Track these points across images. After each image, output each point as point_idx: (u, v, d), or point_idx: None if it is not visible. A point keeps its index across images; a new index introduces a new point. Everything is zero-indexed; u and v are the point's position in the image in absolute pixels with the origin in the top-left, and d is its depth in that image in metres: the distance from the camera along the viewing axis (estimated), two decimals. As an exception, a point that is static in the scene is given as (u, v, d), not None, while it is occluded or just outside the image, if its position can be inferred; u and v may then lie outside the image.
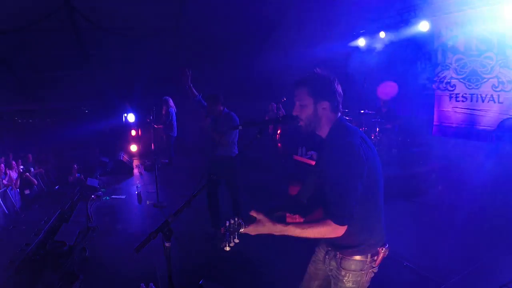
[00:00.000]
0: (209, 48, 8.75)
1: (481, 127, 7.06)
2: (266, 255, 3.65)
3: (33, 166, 8.04)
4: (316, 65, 1.67)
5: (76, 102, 11.14)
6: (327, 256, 1.73)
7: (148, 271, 3.33)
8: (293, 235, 1.49)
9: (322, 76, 1.61)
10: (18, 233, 4.84)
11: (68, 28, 6.90)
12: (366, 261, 1.61)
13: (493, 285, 2.81)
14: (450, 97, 7.90)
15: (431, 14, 7.33)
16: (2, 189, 6.12)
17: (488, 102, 7.07)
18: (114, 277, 3.35)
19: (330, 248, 1.72)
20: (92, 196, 5.79)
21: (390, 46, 8.51)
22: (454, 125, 7.73)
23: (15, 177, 6.79)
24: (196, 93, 4.20)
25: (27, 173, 7.21)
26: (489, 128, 6.82)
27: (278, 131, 8.95)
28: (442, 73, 8.05)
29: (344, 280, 1.63)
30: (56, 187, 7.88)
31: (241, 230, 1.44)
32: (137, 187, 5.79)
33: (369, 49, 8.98)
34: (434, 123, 8.17)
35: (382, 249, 1.64)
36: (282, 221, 1.54)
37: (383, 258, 1.66)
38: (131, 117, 9.31)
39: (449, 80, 7.89)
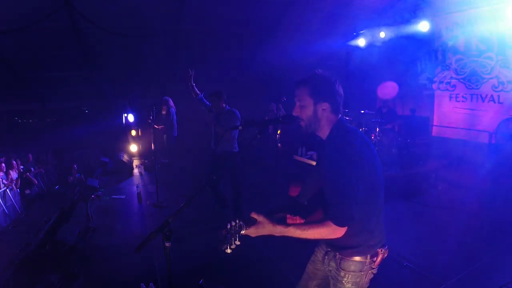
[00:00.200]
0: (209, 48, 8.74)
1: (481, 127, 7.06)
2: (266, 255, 3.65)
3: (33, 166, 8.04)
4: (316, 65, 1.67)
5: (76, 102, 11.14)
6: (326, 257, 1.73)
7: (148, 271, 3.33)
8: (294, 236, 1.49)
9: (323, 77, 1.61)
10: (18, 233, 4.85)
11: (68, 28, 6.90)
12: (366, 262, 1.61)
13: (493, 285, 2.81)
14: (450, 97, 7.91)
15: (431, 14, 7.33)
16: (2, 189, 6.12)
17: (488, 102, 7.08)
18: (114, 277, 3.35)
19: (329, 249, 1.72)
20: (92, 196, 5.78)
21: (390, 46, 8.51)
22: (454, 125, 7.73)
23: (15, 177, 6.79)
24: (198, 92, 4.42)
25: (27, 173, 7.21)
26: (489, 128, 6.82)
27: (278, 131, 8.95)
28: (442, 73, 8.06)
29: (344, 281, 1.63)
30: (56, 187, 7.88)
31: (242, 232, 1.44)
32: (137, 187, 5.78)
33: (369, 49, 8.98)
34: (434, 123, 8.18)
35: (381, 250, 1.64)
36: (283, 222, 1.54)
37: (383, 259, 1.66)
38: (131, 117, 9.31)
39: (449, 80, 7.89)
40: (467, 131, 7.39)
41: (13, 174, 6.80)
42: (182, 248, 3.64)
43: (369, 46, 8.88)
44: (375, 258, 1.63)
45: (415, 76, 8.69)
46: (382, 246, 1.66)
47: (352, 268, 1.62)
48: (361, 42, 8.96)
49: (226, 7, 7.33)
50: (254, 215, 1.49)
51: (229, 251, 1.41)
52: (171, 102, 7.92)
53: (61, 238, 3.86)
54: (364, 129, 7.30)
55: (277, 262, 3.52)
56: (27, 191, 7.03)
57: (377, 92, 8.79)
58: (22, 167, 7.46)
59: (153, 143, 6.09)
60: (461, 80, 7.61)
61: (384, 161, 5.67)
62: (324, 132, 1.65)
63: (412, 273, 3.26)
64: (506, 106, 6.68)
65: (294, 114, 1.66)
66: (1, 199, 5.85)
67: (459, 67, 7.61)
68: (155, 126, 6.46)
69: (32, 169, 7.73)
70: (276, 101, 9.41)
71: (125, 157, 8.17)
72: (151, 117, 5.79)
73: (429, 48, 8.23)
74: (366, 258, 1.61)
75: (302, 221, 1.59)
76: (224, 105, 4.36)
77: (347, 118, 7.23)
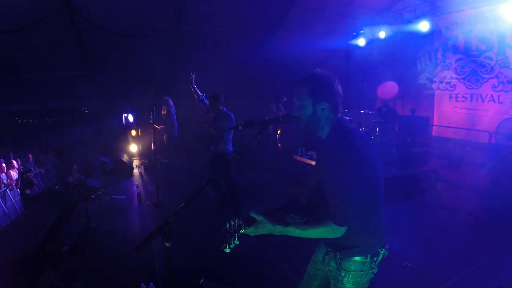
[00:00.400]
0: (209, 48, 8.74)
1: (481, 127, 7.06)
2: (266, 255, 3.65)
3: (33, 166, 8.04)
4: (316, 65, 1.67)
5: (76, 102, 11.15)
6: (326, 257, 1.73)
7: (148, 271, 3.33)
8: (293, 235, 1.49)
9: (322, 76, 1.61)
10: (18, 233, 4.85)
11: (68, 28, 6.90)
12: (366, 262, 1.61)
13: (493, 285, 2.81)
14: (450, 97, 7.91)
15: (431, 14, 7.33)
16: (2, 189, 6.12)
17: (488, 102, 7.08)
18: (114, 277, 3.35)
19: (329, 249, 1.72)
20: (92, 196, 5.78)
21: (390, 46, 8.51)
22: (454, 125, 7.73)
23: (15, 177, 6.79)
24: (200, 93, 4.64)
25: (28, 173, 7.21)
26: (489, 128, 6.82)
27: (278, 131, 8.95)
28: (442, 73, 8.06)
29: (344, 281, 1.63)
30: (56, 187, 7.88)
31: (241, 231, 1.44)
32: (137, 187, 5.78)
33: (369, 49, 8.98)
34: (434, 123, 8.18)
35: (382, 250, 1.64)
36: (282, 221, 1.54)
37: (383, 259, 1.66)
38: (131, 117, 9.30)
39: (449, 80, 7.90)
40: (467, 131, 7.39)
41: (14, 174, 6.81)
42: (182, 248, 3.64)
43: (369, 46, 8.89)
44: (376, 258, 1.63)
45: (415, 76, 8.69)
46: (383, 246, 1.66)
47: (353, 268, 1.61)
48: (361, 42, 8.97)
49: (226, 7, 7.33)
50: (253, 215, 1.49)
51: (228, 250, 1.41)
52: (171, 102, 7.91)
53: (61, 238, 3.86)
54: (364, 129, 7.29)
55: (277, 262, 3.52)
56: (27, 191, 7.03)
57: (377, 92, 8.79)
58: (22, 167, 7.47)
59: (153, 143, 6.09)
60: (461, 80, 7.61)
61: (384, 161, 5.67)
62: (323, 132, 1.65)
63: (412, 273, 3.25)
64: (506, 106, 6.68)
65: (294, 114, 1.66)
66: (1, 199, 5.85)
67: (459, 67, 7.61)
68: (155, 126, 6.46)
69: (32, 169, 7.73)
70: (276, 101, 9.40)
71: (125, 157, 8.17)
72: (151, 117, 5.79)
73: (429, 48, 8.23)
74: (367, 258, 1.61)
75: (302, 220, 1.59)
76: (221, 107, 4.55)
77: (347, 118, 7.22)
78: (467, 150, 6.99)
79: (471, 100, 7.42)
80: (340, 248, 1.64)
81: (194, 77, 4.52)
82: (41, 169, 8.10)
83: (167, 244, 1.47)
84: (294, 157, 7.22)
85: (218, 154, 4.57)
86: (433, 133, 8.08)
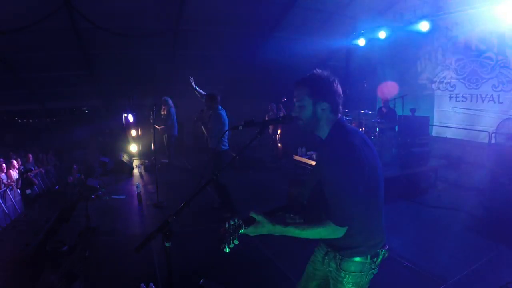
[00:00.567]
0: (209, 48, 8.74)
1: (481, 127, 7.06)
2: (266, 255, 3.65)
3: (33, 166, 8.04)
4: (316, 65, 1.67)
5: (76, 102, 11.15)
6: (326, 257, 1.73)
7: (148, 271, 3.33)
8: (293, 235, 1.49)
9: (322, 76, 1.61)
10: (18, 233, 4.84)
11: (68, 28, 6.90)
12: (366, 262, 1.61)
13: (493, 285, 2.81)
14: (450, 97, 7.91)
15: (431, 14, 7.33)
16: (2, 189, 6.12)
17: (488, 102, 7.08)
18: (114, 277, 3.34)
19: (329, 249, 1.71)
20: (92, 196, 5.78)
21: (390, 46, 8.51)
22: (454, 125, 7.73)
23: (16, 177, 6.79)
24: (203, 93, 4.90)
25: (28, 173, 7.21)
26: (489, 128, 6.82)
27: (278, 131, 8.94)
28: (442, 73, 8.06)
29: (344, 282, 1.63)
30: (56, 187, 7.88)
31: (241, 231, 1.44)
32: (137, 187, 5.78)
33: (369, 49, 8.97)
34: (434, 123, 8.18)
35: (382, 251, 1.64)
36: (282, 221, 1.54)
37: (383, 259, 1.66)
38: (131, 117, 9.30)
39: (449, 80, 7.90)
40: (467, 131, 7.39)
41: (14, 174, 6.81)
42: (182, 248, 3.64)
43: (369, 46, 8.87)
44: (376, 259, 1.62)
45: (415, 76, 8.69)
46: (383, 247, 1.65)
47: (352, 268, 1.61)
48: (361, 42, 8.95)
49: (225, 7, 7.33)
50: (253, 214, 1.49)
51: (227, 250, 1.41)
52: (171, 102, 7.92)
53: (61, 238, 3.86)
54: (364, 129, 7.29)
55: (277, 262, 3.52)
56: (27, 191, 7.03)
57: (377, 92, 8.79)
58: (22, 167, 7.46)
59: (153, 143, 6.09)
60: (461, 80, 7.61)
61: (384, 161, 5.67)
62: (323, 132, 1.65)
63: (412, 273, 3.25)
64: (506, 106, 6.68)
65: (294, 114, 1.66)
66: (1, 199, 5.85)
67: (459, 67, 7.61)
68: (155, 126, 6.46)
69: (32, 169, 7.73)
70: (276, 101, 9.41)
71: (125, 157, 8.17)
72: (151, 117, 5.79)
73: (429, 48, 8.23)
74: (366, 259, 1.61)
75: (302, 220, 1.59)
76: (216, 106, 4.71)
77: (347, 118, 7.22)
78: (467, 150, 6.98)
79: (471, 100, 7.42)
80: (340, 249, 1.63)
81: (192, 79, 4.78)
82: (41, 169, 8.10)
83: (167, 244, 1.47)
84: (294, 157, 7.22)
85: (212, 151, 4.78)
86: (433, 133, 8.07)
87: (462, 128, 7.49)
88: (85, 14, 6.40)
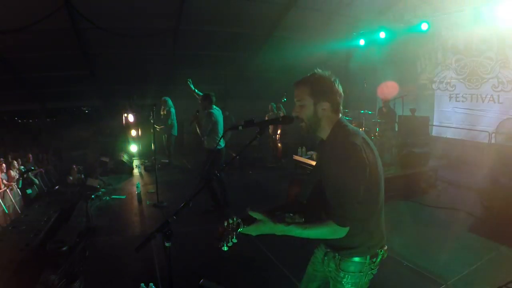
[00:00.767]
0: (208, 48, 8.73)
1: (481, 127, 7.06)
2: (266, 255, 3.65)
3: (33, 166, 8.03)
4: (316, 65, 1.66)
5: (76, 102, 11.14)
6: (325, 258, 1.73)
7: (148, 271, 3.33)
8: (294, 235, 1.49)
9: (323, 76, 1.61)
10: (18, 233, 4.83)
11: (68, 28, 6.89)
12: (365, 263, 1.61)
13: (493, 285, 2.81)
14: (450, 97, 7.91)
15: (431, 14, 7.33)
16: (2, 189, 6.11)
17: (488, 102, 7.08)
18: (114, 277, 3.35)
19: (329, 249, 1.71)
20: (92, 196, 5.78)
21: (390, 46, 8.51)
22: (454, 125, 7.74)
23: (16, 177, 6.78)
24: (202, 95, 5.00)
25: (28, 173, 7.20)
26: (489, 128, 6.82)
27: (278, 131, 8.94)
28: (442, 73, 8.07)
29: (343, 282, 1.63)
30: (56, 187, 7.87)
31: (241, 230, 1.44)
32: (137, 187, 5.78)
33: (369, 49, 8.97)
34: (434, 123, 8.18)
35: (381, 251, 1.64)
36: (283, 221, 1.53)
37: (382, 260, 1.66)
38: (131, 117, 9.30)
39: (449, 80, 7.90)
40: (467, 131, 7.40)
41: (14, 174, 6.79)
42: (182, 248, 3.64)
43: (369, 46, 8.87)
44: (375, 259, 1.62)
45: (415, 76, 8.69)
46: (382, 247, 1.65)
47: (352, 268, 1.61)
48: (361, 42, 8.95)
49: (225, 7, 7.32)
50: (252, 213, 1.49)
51: (226, 248, 1.40)
52: (171, 102, 7.92)
53: (61, 238, 3.85)
54: (364, 129, 7.30)
55: (277, 262, 3.52)
56: (28, 191, 7.02)
57: (377, 92, 8.79)
58: (22, 167, 7.45)
59: (153, 143, 6.09)
60: (461, 80, 7.61)
61: (384, 161, 5.66)
62: (324, 132, 1.65)
63: (412, 273, 3.26)
64: (506, 106, 6.69)
65: (294, 114, 1.65)
66: (1, 199, 5.84)
67: (459, 67, 7.61)
68: (155, 126, 6.46)
69: (32, 169, 7.72)
70: (276, 101, 9.41)
71: (125, 157, 8.17)
72: (151, 117, 5.79)
73: (429, 48, 8.23)
74: (366, 259, 1.61)
75: (302, 220, 1.58)
76: (210, 106, 4.81)
77: (347, 118, 7.22)
78: (467, 150, 6.99)
79: (471, 100, 7.42)
80: (339, 249, 1.63)
81: (190, 82, 4.96)
82: (41, 169, 8.08)
83: (167, 244, 1.47)
84: (294, 157, 7.23)
85: (207, 150, 4.89)
86: (433, 133, 8.08)
87: (462, 128, 7.49)
88: (85, 14, 6.40)
